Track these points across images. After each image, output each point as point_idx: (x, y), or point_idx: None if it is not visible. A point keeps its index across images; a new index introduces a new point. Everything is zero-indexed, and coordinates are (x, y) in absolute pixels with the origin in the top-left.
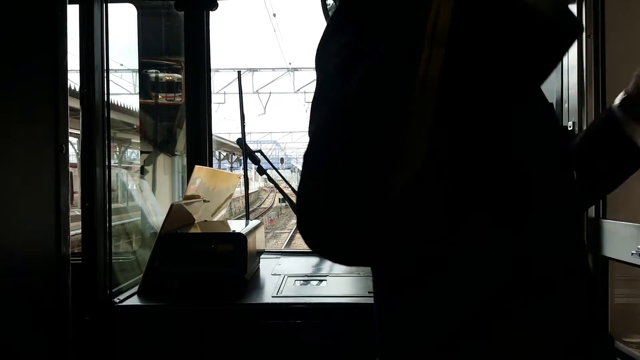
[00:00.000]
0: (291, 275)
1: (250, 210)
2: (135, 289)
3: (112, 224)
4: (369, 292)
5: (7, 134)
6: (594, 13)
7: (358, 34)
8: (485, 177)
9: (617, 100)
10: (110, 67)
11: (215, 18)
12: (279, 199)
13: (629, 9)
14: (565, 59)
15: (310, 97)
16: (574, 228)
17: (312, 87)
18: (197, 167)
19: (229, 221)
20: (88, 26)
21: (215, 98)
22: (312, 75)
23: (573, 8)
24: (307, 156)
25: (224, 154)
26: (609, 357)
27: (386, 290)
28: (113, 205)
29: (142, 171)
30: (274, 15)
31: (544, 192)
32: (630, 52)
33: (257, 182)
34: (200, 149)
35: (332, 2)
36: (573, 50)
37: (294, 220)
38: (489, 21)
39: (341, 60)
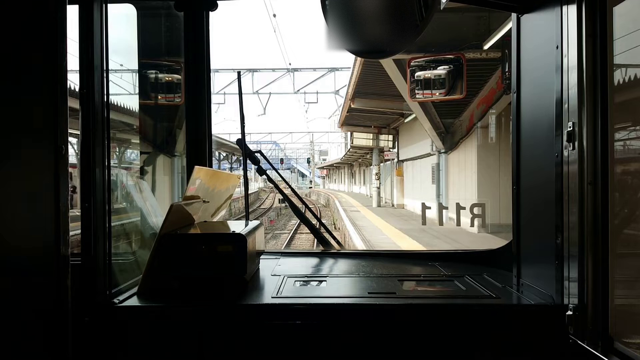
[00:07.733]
0: (291, 276)
1: (250, 210)
2: (135, 290)
3: (112, 224)
4: (368, 292)
5: (7, 134)
6: (594, 13)
7: None
8: None
9: None
10: (110, 68)
11: (215, 18)
12: (279, 199)
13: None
14: (565, 59)
15: (310, 98)
16: None
17: (312, 88)
18: (196, 167)
19: (228, 222)
20: (88, 27)
21: (215, 98)
22: (312, 75)
23: (573, 8)
24: None
25: (224, 154)
26: None
27: None
28: (112, 206)
29: (142, 172)
30: (274, 15)
31: None
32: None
33: (256, 183)
34: (200, 149)
35: None
36: (573, 50)
37: (294, 221)
38: None
39: None
